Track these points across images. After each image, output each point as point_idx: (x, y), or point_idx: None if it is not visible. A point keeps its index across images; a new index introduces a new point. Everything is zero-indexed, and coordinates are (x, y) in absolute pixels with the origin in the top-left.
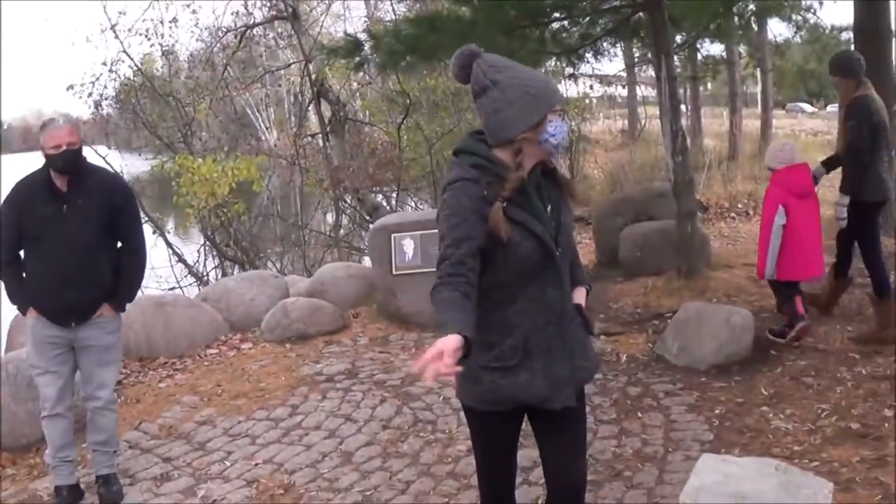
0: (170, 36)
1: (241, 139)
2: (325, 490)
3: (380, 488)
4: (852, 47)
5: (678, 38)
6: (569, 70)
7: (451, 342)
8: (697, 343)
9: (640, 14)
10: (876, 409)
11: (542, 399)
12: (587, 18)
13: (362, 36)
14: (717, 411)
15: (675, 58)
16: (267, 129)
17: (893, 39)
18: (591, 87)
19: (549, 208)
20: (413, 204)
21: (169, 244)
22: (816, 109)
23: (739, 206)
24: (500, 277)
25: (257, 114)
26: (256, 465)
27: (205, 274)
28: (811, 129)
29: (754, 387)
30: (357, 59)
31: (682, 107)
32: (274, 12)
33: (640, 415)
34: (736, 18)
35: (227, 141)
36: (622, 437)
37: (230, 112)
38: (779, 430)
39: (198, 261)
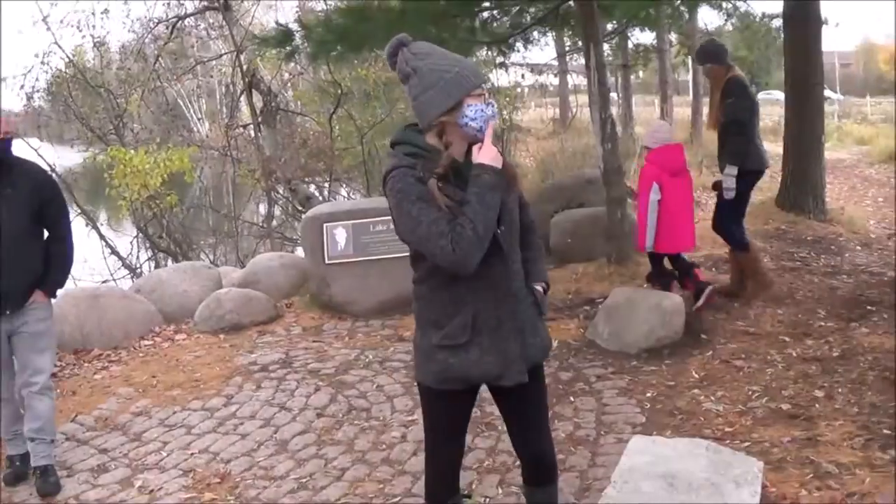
0: (101, 27)
1: (172, 131)
2: (260, 478)
3: (315, 475)
4: (782, 35)
5: (609, 27)
6: (499, 59)
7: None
8: (628, 328)
9: (570, 3)
10: (806, 390)
11: (494, 377)
12: (517, 8)
13: (294, 26)
14: (648, 394)
15: (606, 46)
16: (199, 120)
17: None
18: (523, 76)
19: None
20: (346, 194)
21: (102, 236)
22: None
23: None
24: None
25: (189, 105)
26: (192, 454)
27: (138, 266)
28: None
29: (685, 370)
30: (288, 49)
31: (613, 95)
32: (205, 2)
33: (572, 399)
34: (667, 7)
35: (158, 132)
36: (555, 422)
37: (162, 103)
38: (710, 412)
39: (131, 253)
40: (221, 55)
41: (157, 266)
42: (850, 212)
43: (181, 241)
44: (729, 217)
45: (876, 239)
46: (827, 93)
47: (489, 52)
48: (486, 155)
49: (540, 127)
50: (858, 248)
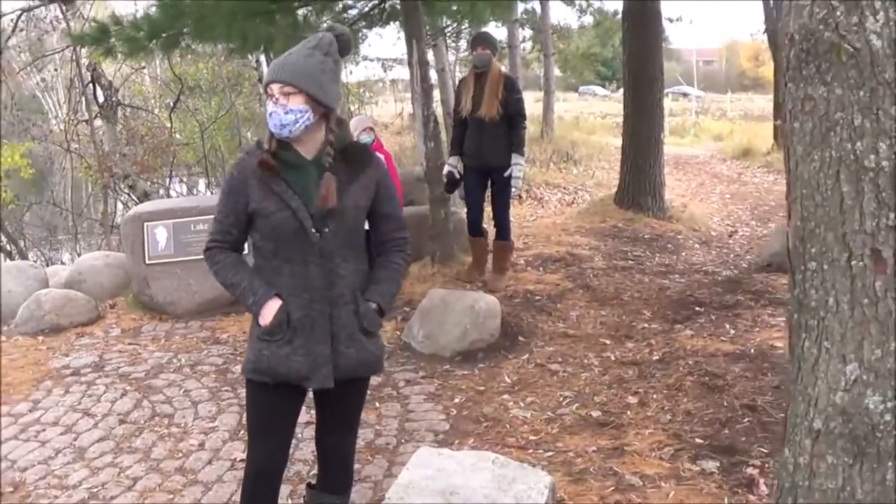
0: None
1: (17, 125)
2: (53, 487)
3: (107, 485)
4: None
5: (444, 23)
6: None
7: (270, 310)
8: (442, 330)
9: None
10: (620, 396)
11: (301, 377)
12: (340, 5)
13: (109, 22)
14: (456, 400)
15: (449, 41)
16: (54, 115)
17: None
18: (384, 70)
19: None
20: (184, 189)
21: None
22: (609, 93)
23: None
24: (264, 245)
25: (48, 98)
26: None
27: None
28: (600, 111)
29: (498, 374)
30: (105, 46)
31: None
32: None
33: (377, 405)
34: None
35: (4, 127)
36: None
37: (14, 96)
38: (516, 419)
39: None
40: (62, 50)
41: None
42: (692, 209)
43: (16, 238)
44: (509, 207)
45: (716, 237)
46: (686, 89)
47: None
48: (266, 314)
49: (399, 122)
50: (697, 246)
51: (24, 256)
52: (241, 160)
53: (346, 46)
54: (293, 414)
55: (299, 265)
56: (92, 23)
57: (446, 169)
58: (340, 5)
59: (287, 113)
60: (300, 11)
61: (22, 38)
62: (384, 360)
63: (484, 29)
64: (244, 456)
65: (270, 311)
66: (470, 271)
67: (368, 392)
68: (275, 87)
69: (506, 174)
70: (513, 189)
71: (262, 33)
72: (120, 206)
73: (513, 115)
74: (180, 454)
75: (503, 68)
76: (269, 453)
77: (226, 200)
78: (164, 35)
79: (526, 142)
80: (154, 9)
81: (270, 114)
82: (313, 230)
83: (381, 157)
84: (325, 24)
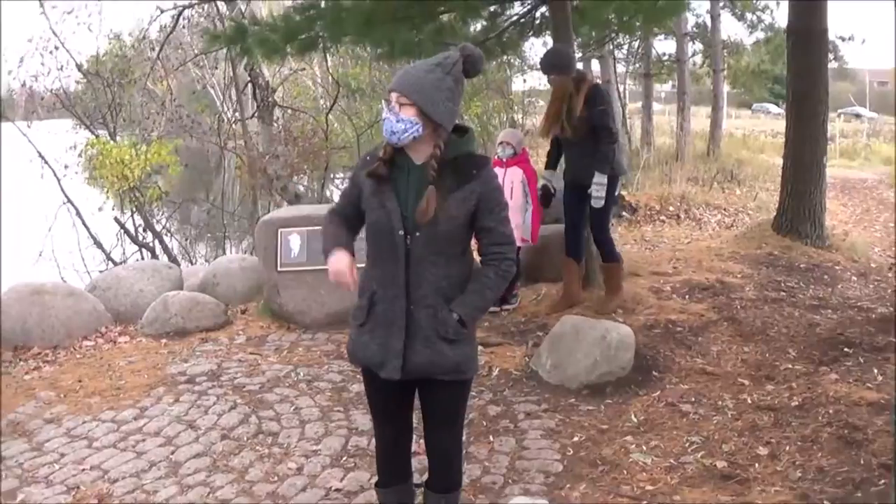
0: (98, 14)
1: (176, 121)
2: (140, 503)
3: None
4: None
5: (593, 34)
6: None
7: (341, 262)
8: (571, 360)
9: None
10: (750, 445)
11: (375, 364)
12: (488, 11)
13: (248, 22)
14: (575, 438)
15: (619, 54)
16: (216, 114)
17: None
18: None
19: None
20: (335, 195)
21: (86, 226)
22: (782, 111)
23: (671, 208)
24: (368, 238)
25: (220, 95)
26: (83, 470)
27: (124, 259)
28: (771, 130)
29: (624, 412)
30: (241, 46)
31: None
32: None
33: (491, 438)
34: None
35: (162, 122)
36: (465, 463)
37: (173, 92)
38: (635, 465)
39: (115, 245)
40: (217, 49)
41: (142, 260)
42: (854, 237)
43: (161, 236)
44: (605, 226)
45: (876, 269)
46: (859, 110)
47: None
48: (335, 263)
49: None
50: (854, 278)
51: (168, 253)
52: (364, 158)
53: (472, 67)
54: (397, 398)
55: (390, 263)
56: (231, 22)
57: (540, 182)
58: (488, 12)
59: (398, 122)
60: (444, 17)
61: (183, 35)
62: (469, 367)
63: (553, 50)
64: (340, 485)
65: (333, 262)
66: (559, 301)
67: (484, 424)
68: (392, 96)
69: (588, 192)
70: (594, 205)
71: (407, 38)
72: (274, 207)
73: (597, 130)
74: (276, 478)
75: (593, 78)
76: (384, 430)
77: (348, 186)
78: (300, 38)
79: (609, 157)
80: (292, 11)
81: (384, 119)
82: (401, 233)
83: (495, 171)
84: (472, 29)
